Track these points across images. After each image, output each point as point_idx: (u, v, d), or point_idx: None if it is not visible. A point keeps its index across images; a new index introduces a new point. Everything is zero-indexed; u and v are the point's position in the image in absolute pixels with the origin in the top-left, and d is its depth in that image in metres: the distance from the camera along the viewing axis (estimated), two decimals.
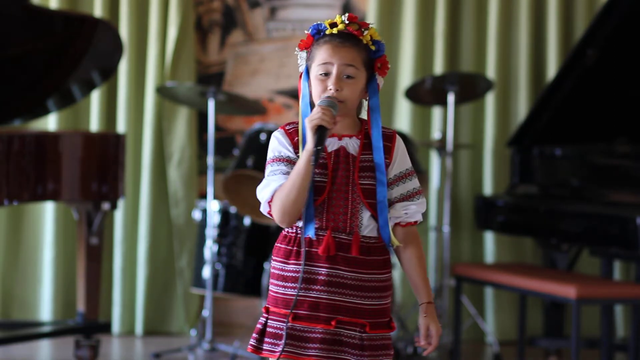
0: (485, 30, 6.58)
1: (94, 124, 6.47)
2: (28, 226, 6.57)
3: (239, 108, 6.09)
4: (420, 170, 5.83)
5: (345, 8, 6.74)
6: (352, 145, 2.83)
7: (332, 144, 2.81)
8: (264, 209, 2.82)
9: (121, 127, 6.46)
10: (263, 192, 2.81)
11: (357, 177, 2.80)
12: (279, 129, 2.86)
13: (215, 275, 5.87)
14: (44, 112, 5.82)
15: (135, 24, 6.52)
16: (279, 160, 2.81)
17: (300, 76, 2.87)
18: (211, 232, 5.84)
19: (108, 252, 6.44)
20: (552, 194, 5.82)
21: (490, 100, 6.52)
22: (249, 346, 2.83)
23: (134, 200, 6.52)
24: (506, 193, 6.10)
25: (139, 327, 6.50)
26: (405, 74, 6.50)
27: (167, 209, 6.55)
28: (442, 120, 6.26)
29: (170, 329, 6.59)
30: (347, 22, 2.84)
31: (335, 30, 2.82)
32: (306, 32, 2.86)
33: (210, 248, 5.83)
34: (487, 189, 6.50)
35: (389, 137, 2.88)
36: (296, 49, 2.88)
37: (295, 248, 2.79)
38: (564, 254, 5.83)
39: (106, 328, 5.59)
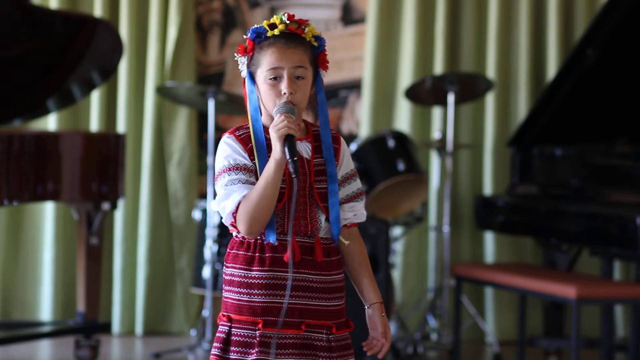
0: (485, 30, 6.58)
1: (94, 124, 6.47)
2: (28, 226, 6.57)
3: (239, 108, 6.09)
4: (420, 171, 5.84)
5: (345, 8, 6.74)
6: (305, 149, 2.80)
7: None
8: (227, 220, 2.74)
9: (121, 127, 6.47)
10: (225, 203, 2.73)
11: (314, 181, 2.77)
12: (228, 135, 2.78)
13: (215, 275, 5.87)
14: (44, 112, 5.82)
15: (135, 24, 6.52)
16: (237, 169, 2.73)
17: (244, 82, 2.81)
18: (211, 232, 5.84)
19: (108, 252, 6.43)
20: (552, 194, 5.82)
21: (490, 100, 6.52)
22: (212, 356, 2.76)
23: (134, 200, 6.52)
24: (506, 193, 6.10)
25: (139, 327, 6.50)
26: (405, 74, 6.50)
27: (167, 209, 6.55)
28: (442, 120, 6.26)
29: (170, 329, 6.59)
30: (287, 21, 2.79)
31: (277, 32, 2.77)
32: (245, 36, 2.79)
33: (210, 248, 5.83)
34: (487, 189, 6.50)
35: (335, 138, 2.84)
36: (235, 54, 2.82)
37: (257, 254, 2.74)
38: (564, 254, 5.82)
39: (106, 328, 5.59)
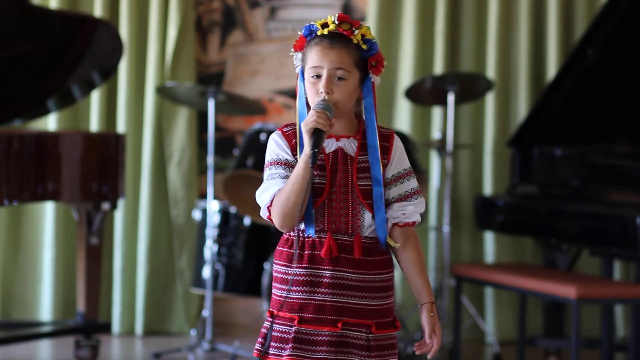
0: (485, 30, 6.58)
1: (94, 124, 6.47)
2: (28, 226, 6.57)
3: (239, 108, 6.09)
4: (420, 171, 5.83)
5: (345, 8, 6.74)
6: (350, 146, 2.82)
7: (330, 145, 2.80)
8: (263, 213, 2.81)
9: (121, 127, 6.46)
10: (262, 196, 2.81)
11: (356, 178, 2.79)
12: (276, 131, 2.85)
13: (215, 275, 5.87)
14: (44, 112, 5.82)
15: (135, 24, 6.52)
16: (277, 164, 2.81)
17: (297, 77, 2.86)
18: (211, 232, 5.84)
19: (108, 252, 6.43)
20: (552, 194, 5.82)
21: (490, 100, 6.52)
22: (255, 350, 2.83)
23: (134, 200, 6.52)
24: (506, 193, 6.10)
25: (139, 327, 6.50)
26: (405, 74, 6.50)
27: (167, 209, 6.55)
28: (442, 120, 6.26)
29: (170, 329, 6.59)
30: (337, 22, 2.81)
31: (326, 31, 2.80)
32: (299, 32, 2.85)
33: (210, 248, 5.83)
34: (487, 189, 6.50)
35: (387, 137, 2.85)
36: (291, 50, 2.87)
37: (297, 252, 2.79)
38: (564, 254, 5.83)
39: (106, 328, 5.59)
